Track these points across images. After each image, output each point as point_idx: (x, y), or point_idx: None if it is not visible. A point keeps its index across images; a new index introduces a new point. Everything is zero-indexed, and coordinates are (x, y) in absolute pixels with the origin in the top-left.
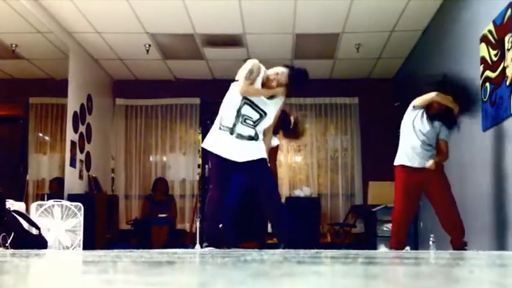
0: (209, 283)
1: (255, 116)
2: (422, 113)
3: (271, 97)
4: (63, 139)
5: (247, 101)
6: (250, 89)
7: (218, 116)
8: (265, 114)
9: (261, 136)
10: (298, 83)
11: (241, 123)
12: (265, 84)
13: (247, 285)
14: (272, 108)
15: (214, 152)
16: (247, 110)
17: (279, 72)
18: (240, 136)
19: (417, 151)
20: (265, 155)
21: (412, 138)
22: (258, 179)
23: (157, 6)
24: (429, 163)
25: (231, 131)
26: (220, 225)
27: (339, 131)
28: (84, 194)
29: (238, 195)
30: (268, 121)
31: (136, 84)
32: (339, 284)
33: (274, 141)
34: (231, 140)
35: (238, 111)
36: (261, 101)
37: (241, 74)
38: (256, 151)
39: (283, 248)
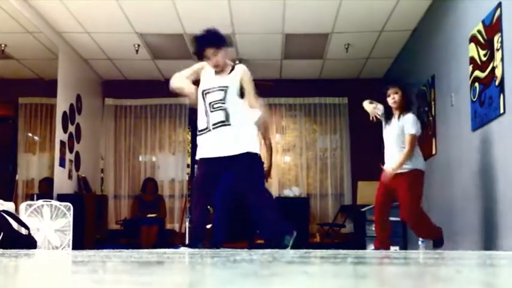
0: (199, 283)
1: (219, 94)
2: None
3: (219, 72)
4: (53, 139)
5: (205, 90)
6: (174, 79)
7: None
8: (226, 87)
9: (237, 118)
10: (205, 40)
11: (211, 111)
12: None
13: (236, 285)
14: (231, 79)
15: (200, 157)
16: (210, 97)
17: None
18: (214, 125)
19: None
20: (248, 148)
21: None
22: (239, 177)
23: (146, 6)
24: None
25: (207, 127)
26: (209, 226)
27: (328, 131)
28: (74, 194)
29: (223, 195)
30: (235, 91)
31: (125, 84)
32: (328, 284)
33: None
34: (209, 137)
35: (204, 104)
36: (215, 80)
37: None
38: (236, 143)
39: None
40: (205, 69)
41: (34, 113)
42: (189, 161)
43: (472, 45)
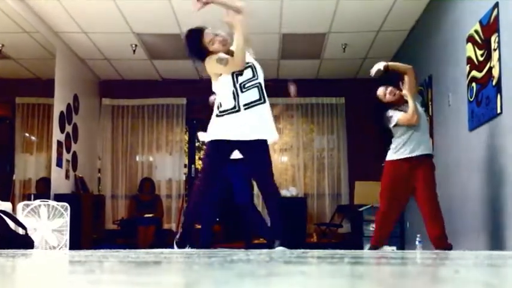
0: (196, 283)
1: (248, 73)
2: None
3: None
4: (50, 139)
5: (235, 72)
6: (235, 56)
7: (215, 107)
8: (250, 62)
9: (264, 91)
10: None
11: (243, 92)
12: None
13: (233, 285)
14: (248, 55)
15: (218, 138)
16: (240, 78)
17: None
18: (247, 105)
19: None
20: (273, 130)
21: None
22: (255, 163)
23: (143, 6)
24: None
25: (236, 108)
26: (199, 226)
27: (325, 131)
28: (71, 194)
29: (221, 192)
30: (256, 64)
31: (122, 84)
32: (326, 284)
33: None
34: (238, 118)
35: (235, 86)
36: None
37: (218, 67)
38: (265, 128)
39: (280, 245)
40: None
41: (31, 113)
42: (186, 161)
43: (469, 45)
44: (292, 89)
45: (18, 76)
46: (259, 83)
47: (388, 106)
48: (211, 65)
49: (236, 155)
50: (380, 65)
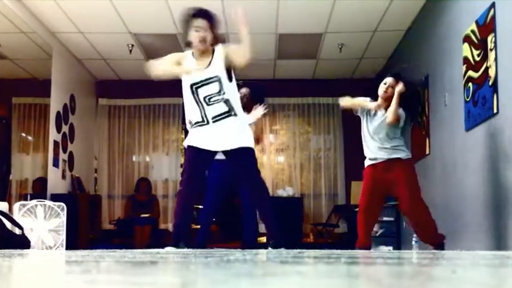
0: (192, 283)
1: (214, 87)
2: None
3: (201, 56)
4: (46, 139)
5: (195, 85)
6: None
7: (186, 121)
8: (217, 76)
9: (236, 105)
10: (200, 12)
11: (208, 105)
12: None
13: (230, 285)
14: (218, 65)
15: (192, 145)
16: (204, 90)
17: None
18: (216, 118)
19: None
20: (250, 143)
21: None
22: (241, 171)
23: (140, 6)
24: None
25: (204, 121)
26: (197, 226)
27: (322, 131)
28: (67, 194)
29: (215, 197)
30: (226, 77)
31: (119, 84)
32: (322, 284)
33: (250, 119)
34: (208, 130)
35: (197, 99)
36: (202, 71)
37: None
38: (239, 137)
39: (274, 247)
40: (185, 56)
41: (28, 113)
42: (182, 161)
43: (466, 45)
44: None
45: (14, 76)
46: (227, 99)
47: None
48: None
49: None
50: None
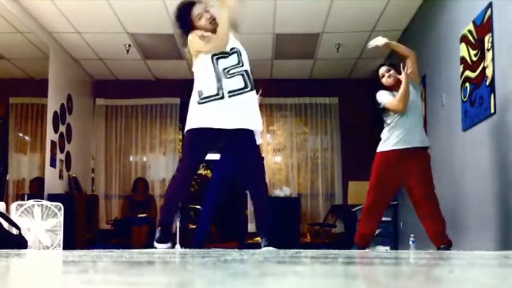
0: (189, 283)
1: (233, 59)
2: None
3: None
4: (43, 139)
5: (216, 55)
6: (218, 33)
7: (193, 94)
8: (236, 48)
9: (251, 78)
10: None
11: (226, 78)
12: (209, 30)
13: (227, 285)
14: (234, 40)
15: (196, 127)
16: (223, 62)
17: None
18: (233, 92)
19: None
20: (259, 119)
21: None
22: (244, 157)
23: (137, 6)
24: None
25: (219, 94)
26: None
27: (319, 131)
28: (64, 194)
29: (216, 196)
30: (244, 51)
31: (116, 84)
32: (319, 284)
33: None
34: (221, 106)
35: (216, 70)
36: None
37: (200, 44)
38: (251, 118)
39: (266, 245)
40: (203, 35)
41: (25, 113)
42: None
43: (463, 45)
44: None
45: (11, 76)
46: (245, 71)
47: (385, 88)
48: (192, 40)
49: None
50: (380, 41)
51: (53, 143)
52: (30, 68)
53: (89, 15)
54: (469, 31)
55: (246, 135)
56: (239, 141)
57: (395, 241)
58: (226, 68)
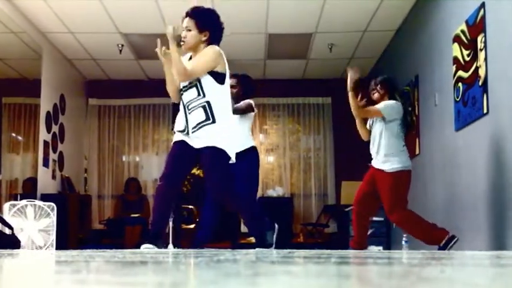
0: (182, 283)
1: (193, 92)
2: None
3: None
4: (36, 139)
5: (181, 89)
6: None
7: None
8: (197, 80)
9: (218, 109)
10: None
11: (189, 113)
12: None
13: (220, 285)
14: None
15: (176, 139)
16: (185, 96)
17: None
18: (194, 129)
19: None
20: (225, 144)
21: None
22: (206, 169)
23: (130, 6)
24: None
25: (185, 130)
26: (193, 226)
27: (311, 131)
28: (57, 194)
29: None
30: (210, 79)
31: (109, 84)
32: (312, 284)
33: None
34: (188, 139)
35: (183, 104)
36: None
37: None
38: (211, 137)
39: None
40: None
41: (18, 113)
42: None
43: (456, 45)
44: None
45: (4, 76)
46: (207, 102)
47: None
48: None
49: None
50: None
51: (45, 143)
52: (23, 68)
53: (81, 16)
54: (462, 31)
55: (210, 152)
56: (205, 158)
57: (388, 241)
58: (187, 103)
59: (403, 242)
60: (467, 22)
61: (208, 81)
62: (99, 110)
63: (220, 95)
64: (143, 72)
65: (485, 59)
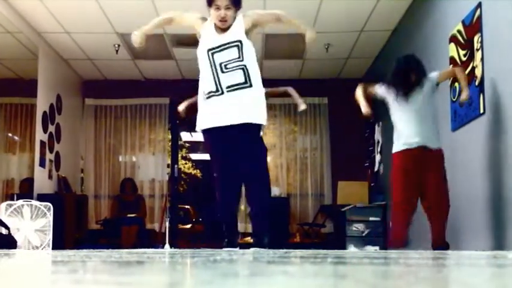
0: (179, 283)
1: (233, 52)
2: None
3: (222, 29)
4: (33, 139)
5: (211, 49)
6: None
7: (199, 91)
8: (239, 41)
9: (254, 74)
10: None
11: (223, 72)
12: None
13: (216, 285)
14: (238, 31)
15: (207, 127)
16: (219, 56)
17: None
18: (231, 88)
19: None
20: (263, 116)
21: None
22: (245, 153)
23: (126, 6)
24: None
25: (218, 90)
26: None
27: (308, 131)
28: (54, 194)
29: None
30: (249, 44)
31: (105, 84)
32: (309, 284)
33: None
34: (221, 102)
35: (212, 65)
36: (221, 36)
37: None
38: (256, 108)
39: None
40: (205, 28)
41: (14, 113)
42: (169, 160)
43: (452, 45)
44: None
45: (1, 76)
46: (244, 65)
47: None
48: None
49: None
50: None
51: (42, 143)
52: (19, 68)
53: (78, 16)
54: (458, 31)
55: (248, 129)
56: (242, 136)
57: (384, 241)
58: (223, 63)
59: None
60: (463, 22)
61: (248, 45)
62: (95, 110)
63: (254, 62)
64: (139, 72)
65: (482, 59)
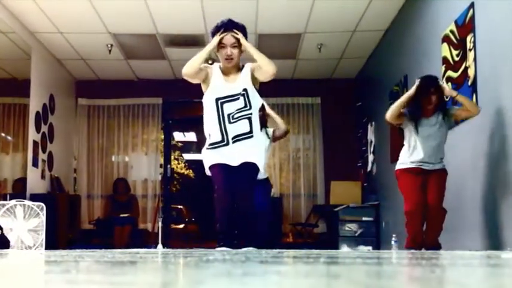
0: (171, 283)
1: (239, 102)
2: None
3: (233, 72)
4: (26, 139)
5: (221, 99)
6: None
7: (205, 133)
8: (245, 90)
9: (256, 122)
10: (232, 25)
11: (230, 123)
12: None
13: (209, 285)
14: (245, 80)
15: (213, 163)
16: (228, 107)
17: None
18: (236, 138)
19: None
20: (260, 160)
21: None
22: (241, 182)
23: (119, 6)
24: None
25: (224, 141)
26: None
27: (301, 131)
28: (47, 194)
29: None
30: (255, 92)
31: (98, 84)
32: (301, 284)
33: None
34: (226, 150)
35: (220, 115)
36: (230, 86)
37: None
38: (252, 154)
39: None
40: (212, 69)
41: (7, 113)
42: (162, 160)
43: (445, 45)
44: None
45: None
46: (251, 114)
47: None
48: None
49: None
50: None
51: (35, 143)
52: (12, 68)
53: (71, 16)
54: (451, 31)
55: (250, 166)
56: (241, 172)
57: (377, 241)
58: (231, 113)
59: (393, 242)
60: (456, 22)
61: (253, 93)
62: (88, 109)
63: (258, 108)
64: (132, 72)
65: (475, 59)
